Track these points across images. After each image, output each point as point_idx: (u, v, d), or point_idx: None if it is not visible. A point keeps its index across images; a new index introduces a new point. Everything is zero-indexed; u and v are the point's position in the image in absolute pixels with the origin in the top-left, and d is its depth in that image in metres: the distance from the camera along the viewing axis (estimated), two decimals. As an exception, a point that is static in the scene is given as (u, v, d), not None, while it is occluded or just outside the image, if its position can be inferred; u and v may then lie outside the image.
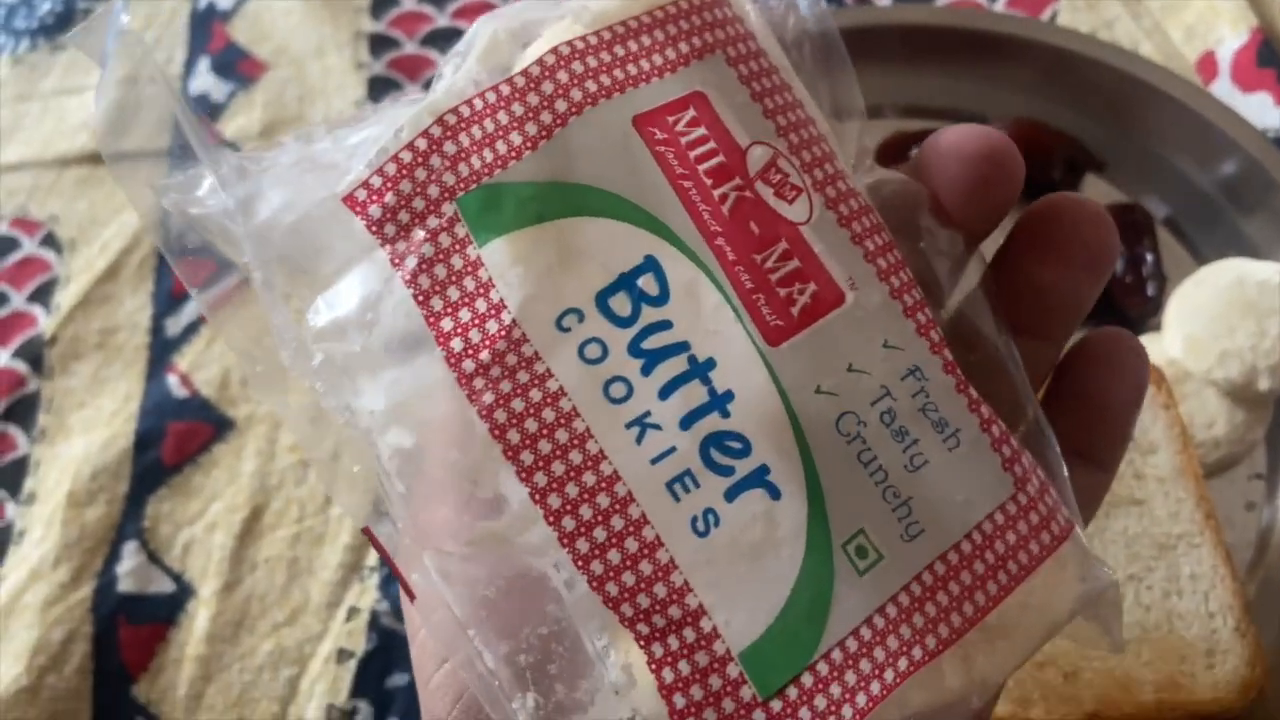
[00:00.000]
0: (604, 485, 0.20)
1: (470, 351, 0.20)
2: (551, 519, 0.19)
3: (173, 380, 0.51)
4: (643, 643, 0.19)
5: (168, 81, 0.21)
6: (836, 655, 0.20)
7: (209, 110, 0.59)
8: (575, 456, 0.20)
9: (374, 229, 0.20)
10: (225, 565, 0.47)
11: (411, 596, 0.21)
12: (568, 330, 0.20)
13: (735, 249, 0.21)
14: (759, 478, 0.20)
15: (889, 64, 0.53)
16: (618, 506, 0.20)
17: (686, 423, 0.20)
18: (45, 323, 0.53)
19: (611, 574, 0.19)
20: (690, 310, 0.20)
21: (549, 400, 0.20)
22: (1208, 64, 0.55)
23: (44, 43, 0.63)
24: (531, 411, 0.20)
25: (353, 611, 0.46)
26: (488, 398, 0.20)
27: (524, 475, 0.20)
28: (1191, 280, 0.47)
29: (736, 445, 0.20)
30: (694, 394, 0.20)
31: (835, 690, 0.19)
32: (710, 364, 0.20)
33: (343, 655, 0.45)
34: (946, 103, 0.54)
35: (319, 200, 0.21)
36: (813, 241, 0.21)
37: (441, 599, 0.20)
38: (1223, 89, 0.54)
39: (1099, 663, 0.37)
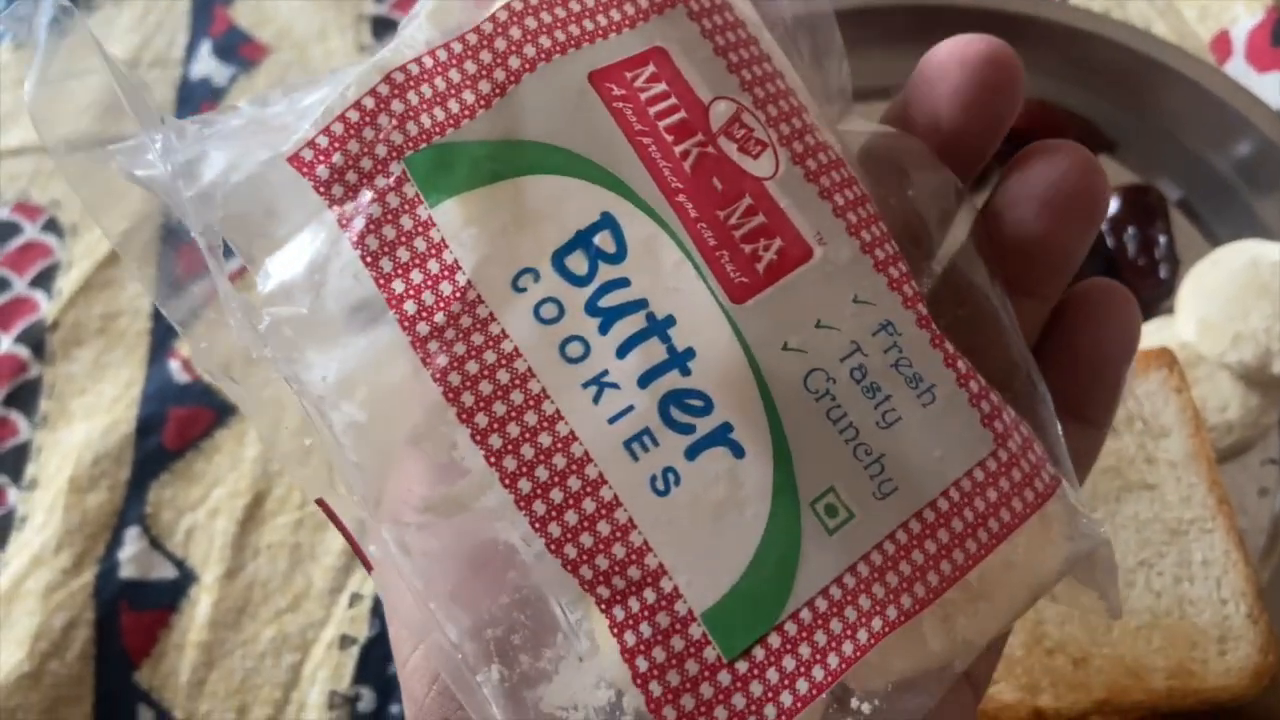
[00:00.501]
0: (560, 446, 0.19)
1: (424, 314, 0.20)
2: (507, 482, 0.19)
3: (174, 365, 0.51)
4: (603, 606, 0.19)
5: (101, 48, 0.20)
6: (805, 615, 0.19)
7: (211, 94, 0.59)
8: (531, 418, 0.19)
9: (321, 189, 0.20)
10: (227, 551, 0.46)
11: (369, 568, 0.20)
12: (523, 290, 0.20)
13: (697, 206, 0.20)
14: (721, 436, 0.20)
15: (897, 45, 0.52)
16: (575, 467, 0.19)
17: (645, 381, 0.20)
18: (47, 308, 0.53)
19: (569, 536, 0.19)
20: (649, 267, 0.20)
21: (504, 361, 0.19)
22: (1222, 43, 0.54)
23: (46, 27, 0.63)
24: (486, 373, 0.19)
25: (355, 598, 0.45)
26: (441, 360, 0.19)
27: (479, 438, 0.19)
28: (1205, 262, 0.46)
29: (697, 403, 0.20)
30: (653, 352, 0.20)
31: (805, 651, 0.19)
32: (670, 321, 0.20)
33: (345, 641, 0.45)
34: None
35: (264, 161, 0.20)
36: (778, 197, 0.21)
37: (401, 572, 0.20)
38: (1237, 68, 0.53)
39: (1109, 649, 0.37)
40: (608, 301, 0.20)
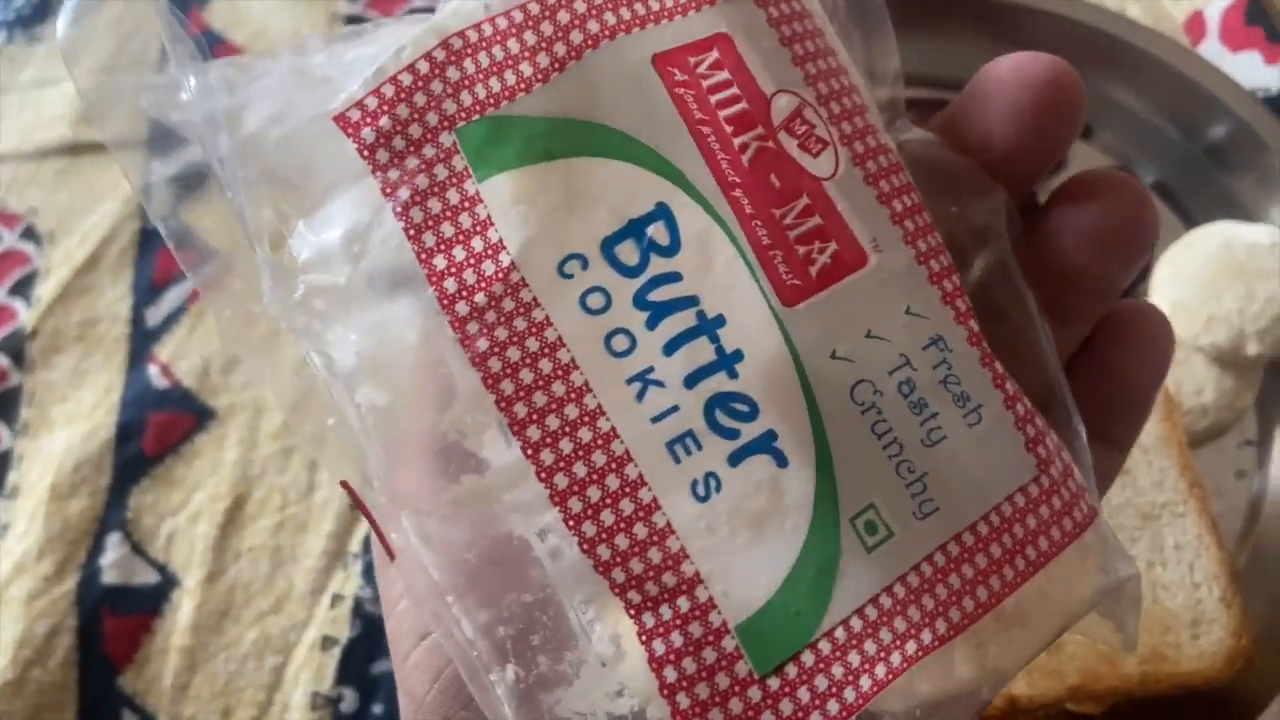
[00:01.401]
0: (600, 442, 0.19)
1: (464, 293, 0.19)
2: (543, 475, 0.18)
3: (153, 370, 0.51)
4: (633, 612, 0.18)
5: None
6: (840, 634, 0.19)
7: (186, 98, 0.58)
8: (571, 411, 0.19)
9: (366, 154, 0.19)
10: (209, 555, 0.47)
11: (392, 556, 0.19)
12: (570, 277, 0.19)
13: (753, 202, 0.19)
14: (766, 443, 0.19)
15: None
16: (614, 465, 0.19)
17: (691, 381, 0.19)
18: (26, 316, 0.53)
19: (604, 536, 0.18)
20: (701, 263, 0.19)
21: (547, 350, 0.19)
22: (1196, 24, 0.54)
23: (21, 34, 0.62)
24: (528, 361, 0.19)
25: (336, 599, 0.46)
26: (482, 344, 0.19)
27: (517, 428, 0.18)
28: (1178, 245, 0.46)
29: (743, 408, 0.19)
30: (700, 351, 0.19)
31: (838, 671, 0.18)
32: (720, 321, 0.19)
33: (327, 642, 0.45)
34: (927, 69, 0.53)
35: (309, 117, 0.19)
36: (836, 198, 0.20)
37: (420, 562, 0.19)
38: (1211, 49, 0.53)
39: (1082, 635, 0.37)
40: (657, 296, 0.19)
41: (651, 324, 0.19)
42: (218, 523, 0.47)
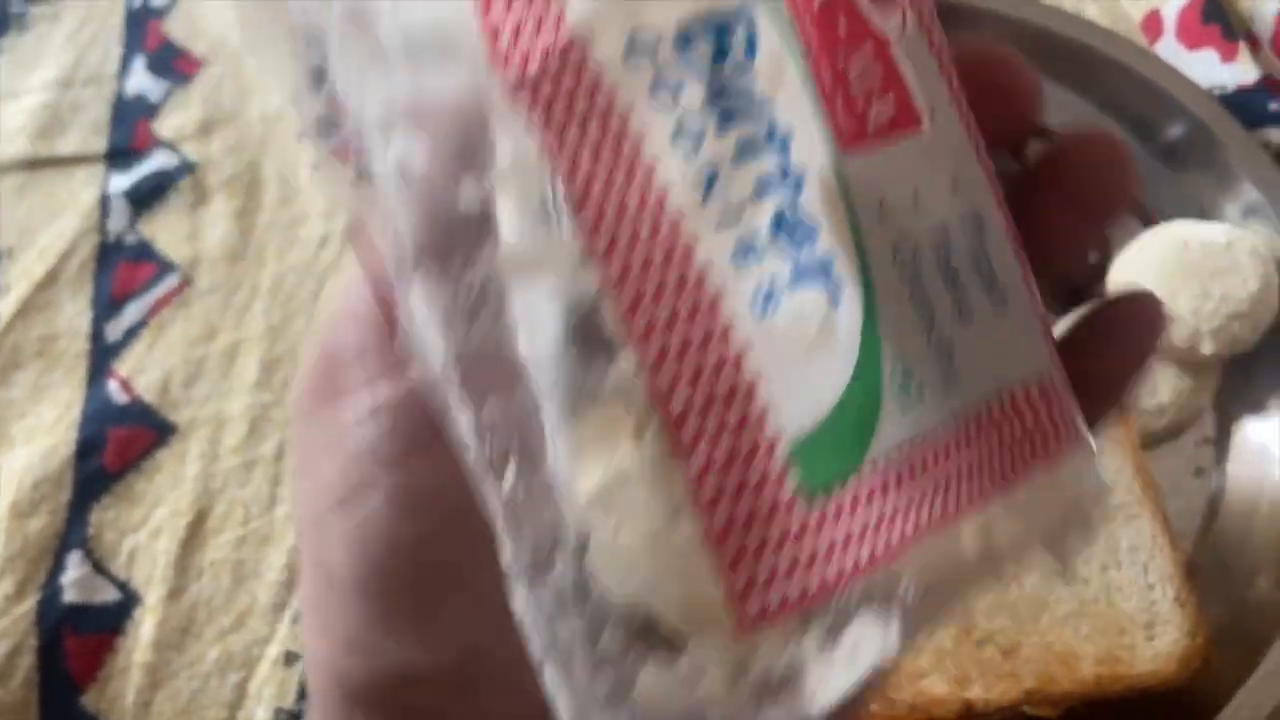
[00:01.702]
0: (664, 233, 0.17)
1: (517, 57, 0.17)
2: (601, 259, 0.17)
3: (113, 386, 0.51)
4: (676, 418, 0.17)
5: None
6: (879, 479, 0.18)
7: (145, 111, 0.58)
8: (634, 198, 0.17)
9: None
10: (170, 571, 0.46)
11: (393, 330, 0.18)
12: (639, 61, 0.18)
13: (820, 43, 0.19)
14: (824, 272, 0.18)
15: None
16: (676, 258, 0.17)
17: (760, 192, 0.18)
18: (-15, 333, 0.52)
19: (658, 329, 0.17)
20: (774, 81, 0.18)
21: (608, 131, 0.17)
22: (1153, 22, 0.54)
23: (-22, 48, 0.62)
24: (588, 140, 0.17)
25: (300, 614, 0.45)
26: (539, 112, 0.17)
27: (577, 203, 0.17)
28: (1134, 245, 0.46)
29: (806, 229, 0.18)
30: (769, 163, 0.18)
31: (874, 514, 0.18)
32: (789, 139, 0.18)
33: (290, 658, 0.45)
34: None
35: None
36: (899, 59, 0.19)
37: (425, 338, 0.17)
38: (1167, 47, 0.53)
39: (1037, 638, 0.37)
40: (731, 98, 0.18)
41: (722, 126, 0.18)
42: (179, 538, 0.47)
